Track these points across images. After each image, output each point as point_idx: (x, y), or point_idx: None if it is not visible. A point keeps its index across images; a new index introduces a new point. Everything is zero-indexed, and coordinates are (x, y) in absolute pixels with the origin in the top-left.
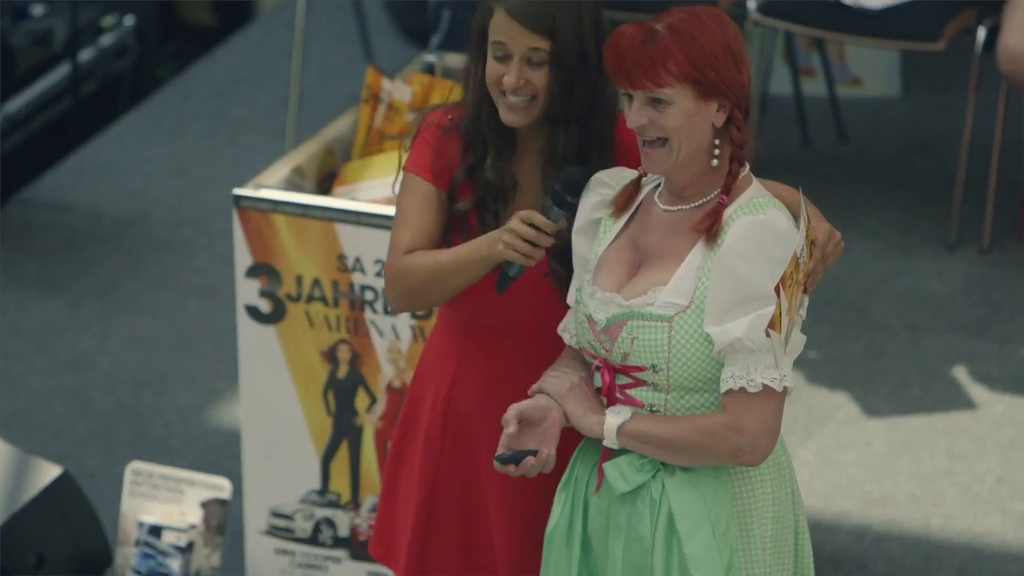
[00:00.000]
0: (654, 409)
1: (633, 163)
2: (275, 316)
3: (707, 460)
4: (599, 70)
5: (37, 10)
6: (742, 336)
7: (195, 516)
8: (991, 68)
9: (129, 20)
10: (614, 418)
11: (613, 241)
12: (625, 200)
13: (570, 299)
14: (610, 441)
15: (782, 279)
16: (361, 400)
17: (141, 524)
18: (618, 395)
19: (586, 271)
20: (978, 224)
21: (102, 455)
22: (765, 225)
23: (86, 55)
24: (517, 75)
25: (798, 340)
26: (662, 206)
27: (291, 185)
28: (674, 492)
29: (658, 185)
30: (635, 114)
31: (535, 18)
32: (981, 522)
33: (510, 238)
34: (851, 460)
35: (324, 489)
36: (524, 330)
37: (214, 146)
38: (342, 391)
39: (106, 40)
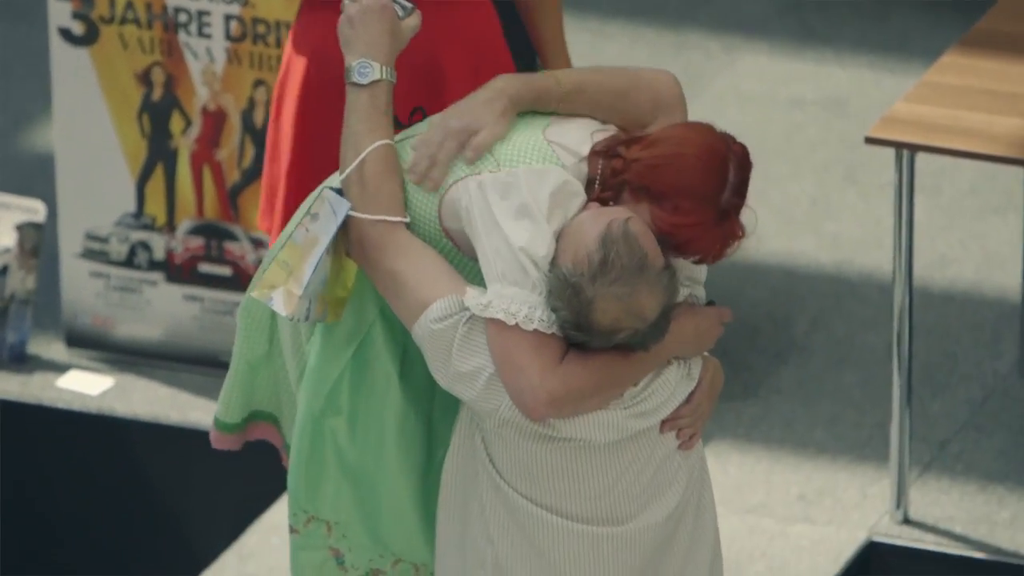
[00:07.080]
0: None
1: None
2: (88, 39)
3: None
4: None
5: None
6: None
7: (9, 239)
8: None
9: None
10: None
11: None
12: None
13: None
14: None
15: None
16: (176, 123)
17: None
18: None
19: None
20: None
21: None
22: None
23: None
24: None
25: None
26: None
27: None
28: None
29: None
30: None
31: None
32: (795, 243)
33: None
34: None
35: (139, 212)
36: None
37: None
38: (157, 114)
39: None
